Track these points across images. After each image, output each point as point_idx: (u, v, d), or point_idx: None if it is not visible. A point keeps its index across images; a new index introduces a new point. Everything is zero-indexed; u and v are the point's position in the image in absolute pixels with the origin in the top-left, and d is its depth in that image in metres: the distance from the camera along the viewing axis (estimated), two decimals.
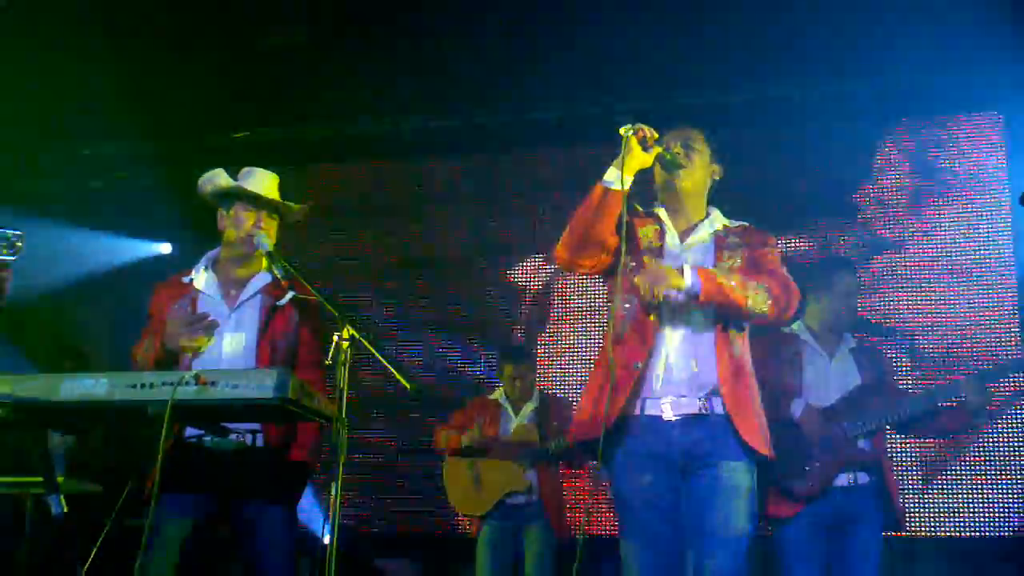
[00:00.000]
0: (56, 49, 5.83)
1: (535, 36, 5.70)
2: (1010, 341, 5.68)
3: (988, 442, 5.63)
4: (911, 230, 6.02)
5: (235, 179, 3.51)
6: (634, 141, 3.00)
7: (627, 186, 2.99)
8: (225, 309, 3.41)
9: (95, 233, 7.12)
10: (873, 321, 5.81)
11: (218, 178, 3.49)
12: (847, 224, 6.16)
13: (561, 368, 6.49)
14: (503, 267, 6.82)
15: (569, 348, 6.51)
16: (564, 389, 6.35)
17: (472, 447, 5.25)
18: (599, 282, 6.11)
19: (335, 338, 2.96)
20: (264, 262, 3.46)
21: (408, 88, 6.32)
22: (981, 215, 5.91)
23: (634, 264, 3.11)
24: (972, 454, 5.62)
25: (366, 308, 6.91)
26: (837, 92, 5.97)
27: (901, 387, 4.84)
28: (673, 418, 3.02)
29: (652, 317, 3.07)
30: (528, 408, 5.38)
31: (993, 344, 5.69)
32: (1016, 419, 5.62)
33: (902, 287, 5.95)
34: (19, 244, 2.74)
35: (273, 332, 3.40)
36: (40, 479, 3.14)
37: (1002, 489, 5.58)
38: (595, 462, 3.13)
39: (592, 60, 5.86)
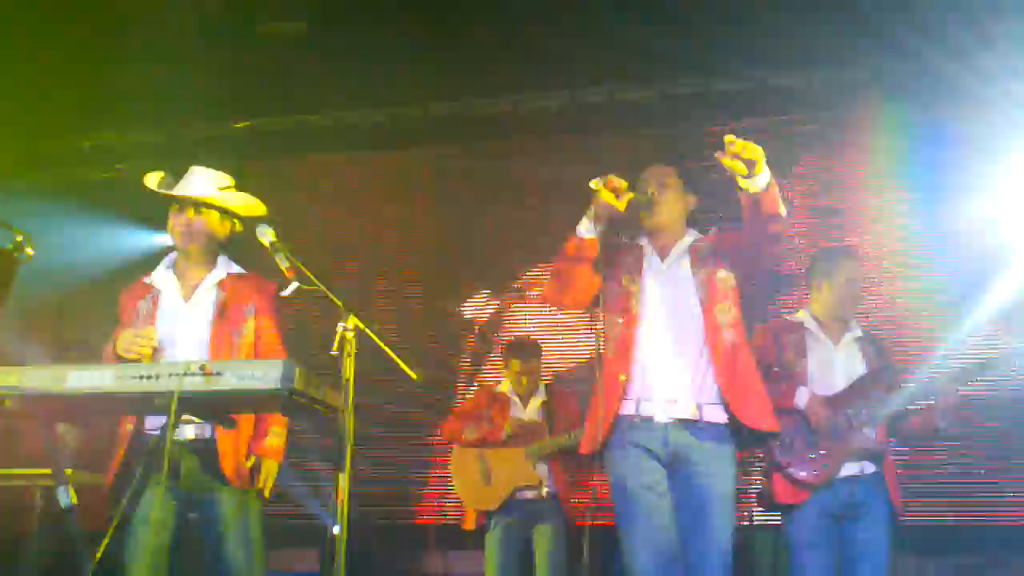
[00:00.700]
0: (54, 39, 5.81)
1: (538, 23, 5.67)
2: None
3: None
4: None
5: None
6: (603, 194, 3.28)
7: (599, 234, 3.33)
8: (182, 304, 3.57)
9: (96, 225, 7.11)
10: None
11: (148, 181, 3.62)
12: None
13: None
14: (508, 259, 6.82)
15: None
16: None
17: (510, 437, 5.19)
18: None
19: (340, 328, 2.97)
20: (213, 258, 3.63)
21: (409, 76, 6.29)
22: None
23: (617, 290, 3.43)
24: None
25: (368, 297, 6.91)
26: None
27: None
28: (666, 421, 3.29)
29: (634, 330, 3.37)
30: (536, 402, 5.35)
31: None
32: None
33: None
34: (28, 250, 2.78)
35: (227, 324, 3.52)
36: (48, 471, 3.15)
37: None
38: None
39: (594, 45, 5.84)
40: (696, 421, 3.28)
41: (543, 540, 5.12)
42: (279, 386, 2.69)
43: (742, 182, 3.10)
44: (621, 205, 3.31)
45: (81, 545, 2.92)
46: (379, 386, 5.97)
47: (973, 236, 5.79)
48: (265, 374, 2.71)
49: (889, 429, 3.98)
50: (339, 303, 3.07)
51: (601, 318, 3.50)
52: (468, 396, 5.77)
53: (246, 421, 3.46)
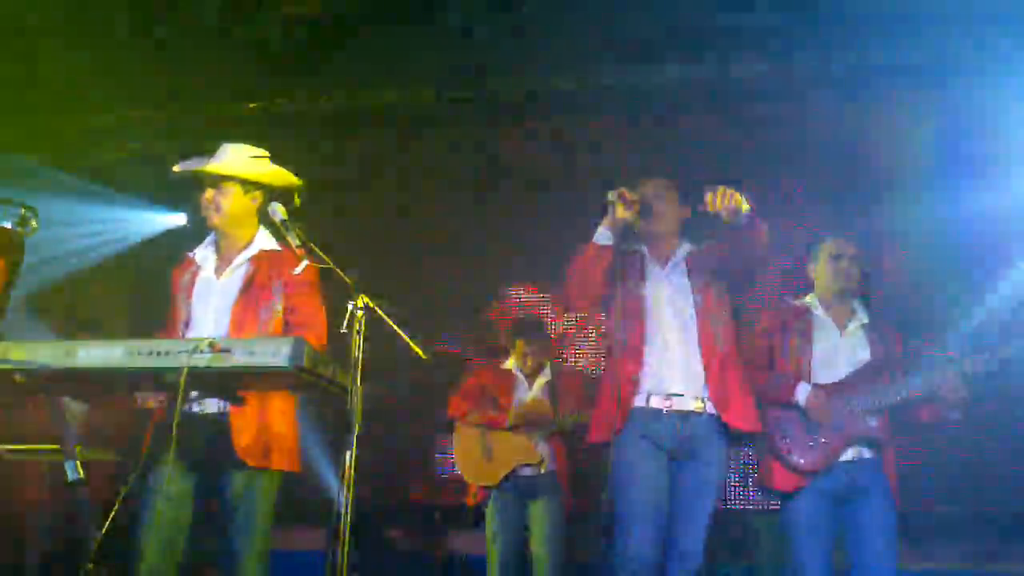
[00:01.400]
0: (68, 17, 5.80)
1: (553, 8, 5.65)
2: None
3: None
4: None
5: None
6: (619, 206, 3.63)
7: (614, 242, 3.68)
8: (214, 280, 3.59)
9: (110, 203, 7.12)
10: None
11: (177, 165, 3.65)
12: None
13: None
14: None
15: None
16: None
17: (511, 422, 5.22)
18: None
19: (350, 306, 2.98)
20: (250, 234, 3.62)
21: (425, 59, 6.27)
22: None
23: (624, 294, 3.75)
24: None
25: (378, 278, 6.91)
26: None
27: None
28: (673, 414, 3.63)
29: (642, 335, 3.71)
30: (541, 381, 5.37)
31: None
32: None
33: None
34: (33, 223, 2.77)
35: (253, 300, 3.50)
36: (56, 446, 3.17)
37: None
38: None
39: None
40: (700, 414, 3.63)
41: (541, 515, 5.16)
42: (287, 364, 2.70)
43: (726, 220, 3.52)
44: (631, 216, 3.68)
45: (89, 519, 2.94)
46: (389, 365, 5.99)
47: (986, 224, 5.76)
48: (274, 351, 2.72)
49: (893, 418, 3.97)
50: (350, 281, 3.07)
51: (609, 318, 3.82)
52: (474, 372, 5.75)
53: (259, 398, 3.41)
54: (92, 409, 5.18)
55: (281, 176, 3.66)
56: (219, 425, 3.37)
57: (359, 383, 2.90)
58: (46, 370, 2.80)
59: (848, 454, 3.87)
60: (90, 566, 2.69)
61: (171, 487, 3.26)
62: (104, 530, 2.80)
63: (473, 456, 5.32)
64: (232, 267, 3.59)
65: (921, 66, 5.63)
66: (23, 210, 2.84)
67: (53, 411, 3.02)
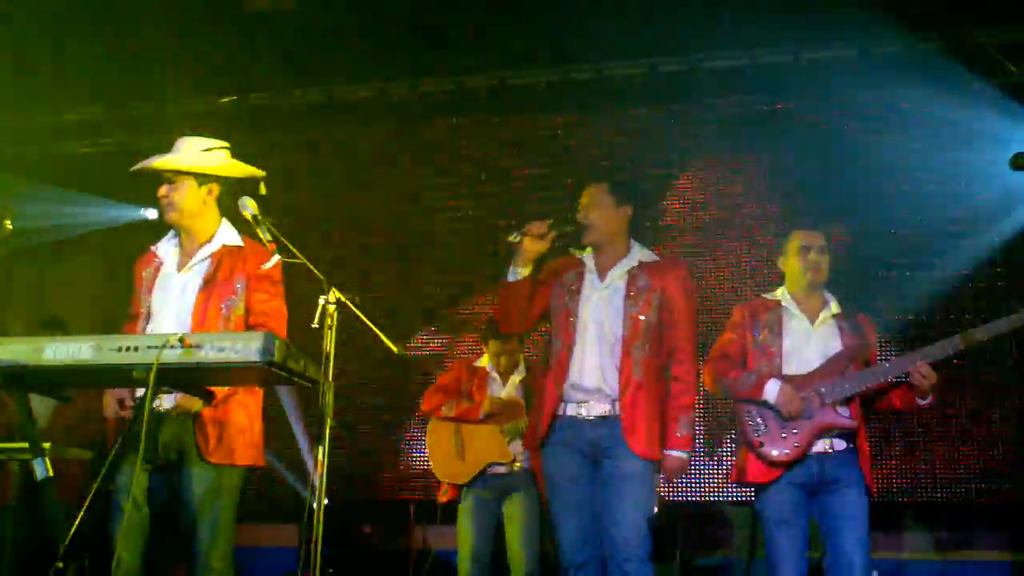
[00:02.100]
0: (39, 13, 5.75)
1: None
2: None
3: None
4: None
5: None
6: (526, 242, 3.64)
7: (528, 275, 3.71)
8: (175, 275, 3.57)
9: (81, 200, 7.05)
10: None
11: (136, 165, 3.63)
12: None
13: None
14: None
15: None
16: None
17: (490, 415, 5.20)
18: None
19: (321, 301, 2.96)
20: (212, 228, 3.60)
21: (398, 51, 6.27)
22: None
23: (560, 304, 3.80)
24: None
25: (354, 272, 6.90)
26: None
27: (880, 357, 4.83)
28: (589, 418, 3.73)
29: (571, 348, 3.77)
30: (515, 379, 5.34)
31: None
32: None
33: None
34: (7, 223, 2.75)
35: (214, 295, 3.48)
36: (25, 444, 3.13)
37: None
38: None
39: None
40: (611, 417, 3.70)
41: (515, 511, 5.14)
42: (258, 358, 2.67)
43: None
44: (545, 246, 3.67)
45: (58, 517, 2.91)
46: (359, 360, 5.99)
47: (954, 214, 5.83)
48: (245, 346, 2.69)
49: (865, 406, 3.99)
50: (321, 276, 3.06)
51: (551, 326, 3.88)
52: (447, 368, 5.74)
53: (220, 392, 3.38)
54: (62, 407, 5.15)
55: (237, 168, 3.63)
56: (180, 421, 3.36)
57: (330, 378, 2.88)
58: (13, 366, 2.76)
59: (820, 445, 3.88)
60: (59, 564, 2.65)
61: (137, 485, 3.24)
62: (74, 529, 2.76)
63: (446, 453, 5.28)
64: (193, 262, 3.57)
65: None
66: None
67: (20, 409, 2.98)
